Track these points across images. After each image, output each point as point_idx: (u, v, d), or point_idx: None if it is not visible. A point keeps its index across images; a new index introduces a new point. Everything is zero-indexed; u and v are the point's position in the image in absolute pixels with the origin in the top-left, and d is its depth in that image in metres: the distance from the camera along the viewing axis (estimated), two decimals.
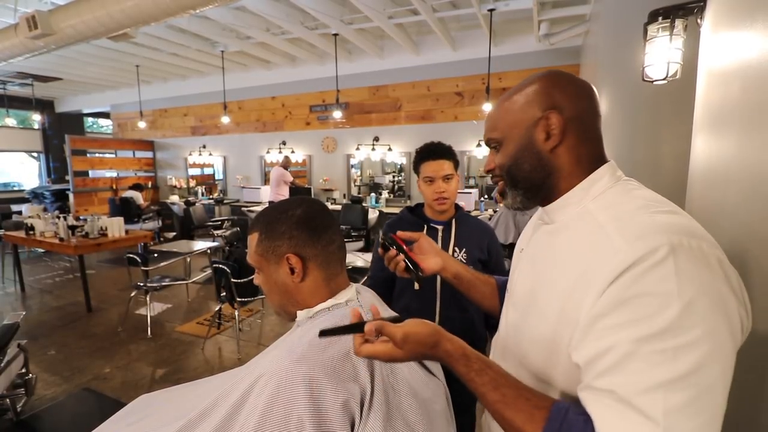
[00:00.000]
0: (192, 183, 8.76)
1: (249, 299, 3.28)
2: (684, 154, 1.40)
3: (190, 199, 7.75)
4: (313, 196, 6.67)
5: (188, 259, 4.85)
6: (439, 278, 1.32)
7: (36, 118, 8.67)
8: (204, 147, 8.40)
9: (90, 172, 9.11)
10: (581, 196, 0.64)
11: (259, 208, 6.47)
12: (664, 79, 1.33)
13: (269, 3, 4.58)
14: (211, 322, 3.59)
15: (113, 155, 9.92)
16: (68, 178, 7.85)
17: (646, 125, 2.62)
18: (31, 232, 4.54)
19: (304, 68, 6.91)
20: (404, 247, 0.91)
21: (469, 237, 1.48)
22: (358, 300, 0.85)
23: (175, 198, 8.09)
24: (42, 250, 6.58)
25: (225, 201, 7.83)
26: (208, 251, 4.85)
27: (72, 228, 4.25)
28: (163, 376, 2.90)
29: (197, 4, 3.24)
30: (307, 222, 0.81)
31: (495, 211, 5.00)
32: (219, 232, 5.96)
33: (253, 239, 0.83)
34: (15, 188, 10.22)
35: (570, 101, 0.65)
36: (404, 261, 0.91)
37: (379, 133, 6.63)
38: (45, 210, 7.06)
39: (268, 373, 0.68)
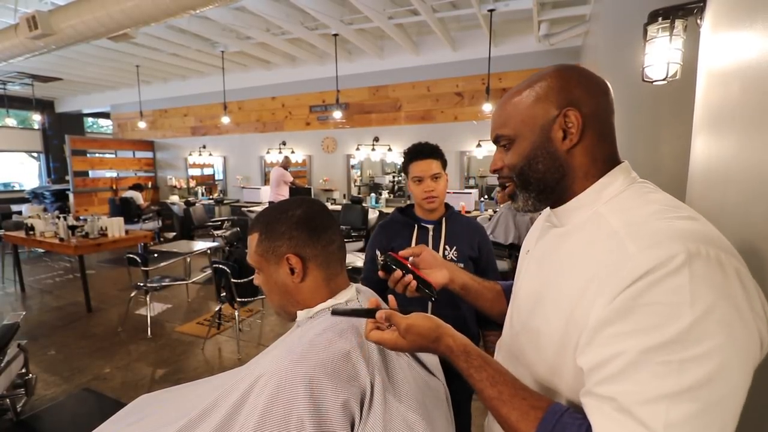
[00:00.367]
0: (192, 183, 8.76)
1: (249, 299, 3.28)
2: (684, 154, 1.40)
3: (190, 199, 7.75)
4: (313, 197, 6.67)
5: (188, 260, 4.85)
6: None
7: (36, 118, 8.67)
8: (204, 147, 8.40)
9: (90, 173, 9.11)
10: (594, 198, 0.61)
11: (259, 209, 6.47)
12: (664, 79, 1.33)
13: (269, 3, 4.58)
14: (211, 322, 3.59)
15: (113, 155, 9.92)
16: (68, 178, 7.85)
17: (646, 125, 2.62)
18: (31, 232, 4.54)
19: (304, 68, 6.91)
20: (409, 266, 0.85)
21: (460, 235, 1.49)
22: (358, 300, 0.85)
23: (175, 198, 8.09)
24: (42, 250, 6.58)
25: (225, 201, 7.83)
26: (208, 251, 4.85)
27: (72, 228, 4.25)
28: (163, 376, 2.90)
29: (197, 4, 3.24)
30: (307, 222, 0.81)
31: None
32: (219, 232, 5.96)
33: (253, 239, 0.83)
34: (15, 188, 10.22)
35: (588, 97, 0.61)
36: (415, 280, 0.84)
37: (379, 133, 6.63)
38: (45, 210, 7.06)
39: (268, 373, 0.68)
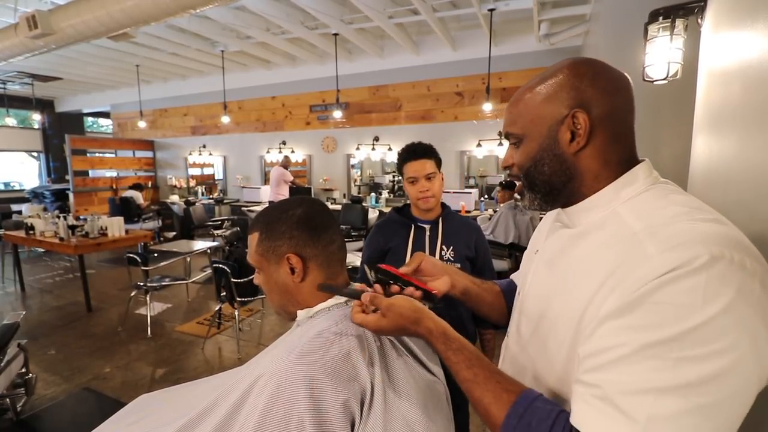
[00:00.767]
0: (192, 183, 8.76)
1: (249, 299, 3.28)
2: (684, 154, 1.39)
3: (190, 198, 7.75)
4: (313, 196, 6.67)
5: (188, 259, 4.85)
6: None
7: (36, 117, 8.68)
8: (204, 147, 8.40)
9: (90, 172, 9.12)
10: (611, 197, 0.58)
11: (259, 208, 6.47)
12: (664, 79, 1.33)
13: (269, 3, 4.58)
14: (211, 322, 3.59)
15: (113, 155, 9.92)
16: (68, 177, 7.85)
17: (646, 125, 2.62)
18: (31, 232, 4.54)
19: (304, 68, 6.91)
20: (407, 278, 0.78)
21: (456, 235, 1.49)
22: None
23: (175, 198, 8.09)
24: (42, 250, 6.58)
25: (225, 201, 7.83)
26: (208, 251, 4.85)
27: (72, 228, 4.25)
28: (163, 376, 2.90)
29: (197, 4, 3.24)
30: (308, 222, 0.81)
31: (495, 211, 5.00)
32: (219, 231, 5.96)
33: (253, 239, 0.83)
34: (15, 188, 10.22)
35: (601, 97, 0.57)
36: (418, 290, 0.77)
37: (379, 133, 6.63)
38: (45, 210, 7.06)
39: (268, 373, 0.68)
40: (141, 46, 5.89)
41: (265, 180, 7.63)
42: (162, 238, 7.30)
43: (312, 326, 0.78)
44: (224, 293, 3.25)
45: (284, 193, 6.38)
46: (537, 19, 4.56)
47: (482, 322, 1.55)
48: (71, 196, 7.75)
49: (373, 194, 6.85)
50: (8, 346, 2.12)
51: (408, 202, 1.57)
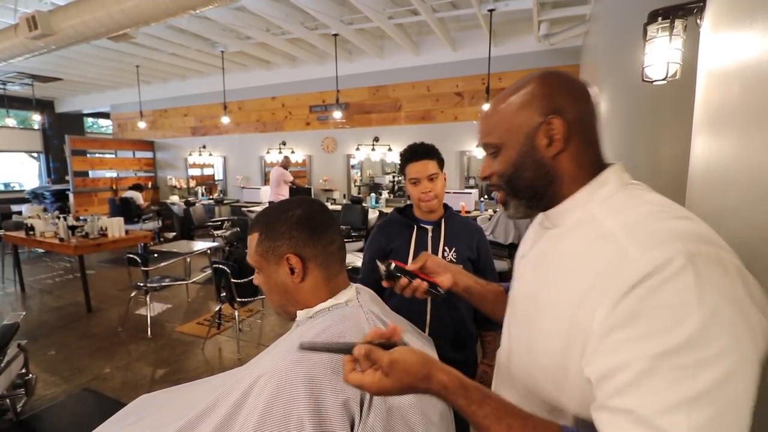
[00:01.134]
0: (192, 183, 8.76)
1: (249, 299, 3.28)
2: (684, 154, 1.40)
3: (190, 199, 7.75)
4: (313, 197, 6.67)
5: (188, 260, 4.85)
6: None
7: (36, 118, 8.67)
8: (204, 147, 8.41)
9: (90, 173, 9.12)
10: (586, 199, 0.61)
11: (259, 209, 6.47)
12: (663, 79, 1.33)
13: (269, 3, 4.58)
14: (211, 322, 3.59)
15: (113, 155, 9.92)
16: (68, 178, 7.85)
17: (646, 125, 2.62)
18: (31, 233, 4.54)
19: (304, 68, 6.91)
20: (415, 272, 0.85)
21: (459, 236, 1.49)
22: (357, 300, 0.85)
23: (175, 198, 8.09)
24: (42, 251, 6.58)
25: (225, 201, 7.83)
26: (208, 251, 4.85)
27: (72, 228, 4.25)
28: (163, 376, 2.90)
29: (197, 4, 3.24)
30: (307, 222, 0.81)
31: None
32: (219, 232, 5.96)
33: (253, 239, 0.83)
34: (15, 188, 10.22)
35: (572, 104, 0.61)
36: (424, 282, 0.85)
37: (379, 133, 6.63)
38: (45, 210, 7.06)
39: (268, 373, 0.68)
40: (141, 47, 5.90)
41: (265, 180, 7.63)
42: (162, 239, 7.30)
43: (312, 326, 0.78)
44: (224, 294, 3.25)
45: (284, 194, 6.38)
46: (537, 20, 4.57)
47: (484, 324, 1.55)
48: (71, 196, 7.75)
49: (373, 194, 6.85)
50: (8, 346, 2.12)
51: (409, 202, 1.57)
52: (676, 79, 1.35)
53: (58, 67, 6.92)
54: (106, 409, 1.41)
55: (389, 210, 6.19)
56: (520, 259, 0.75)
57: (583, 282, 0.53)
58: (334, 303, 0.82)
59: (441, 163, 1.48)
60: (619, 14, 2.99)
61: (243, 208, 7.12)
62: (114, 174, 9.02)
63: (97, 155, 9.99)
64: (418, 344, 0.87)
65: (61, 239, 4.25)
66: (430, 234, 1.47)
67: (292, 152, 7.35)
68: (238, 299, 3.20)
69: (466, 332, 1.49)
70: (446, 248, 1.46)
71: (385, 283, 0.86)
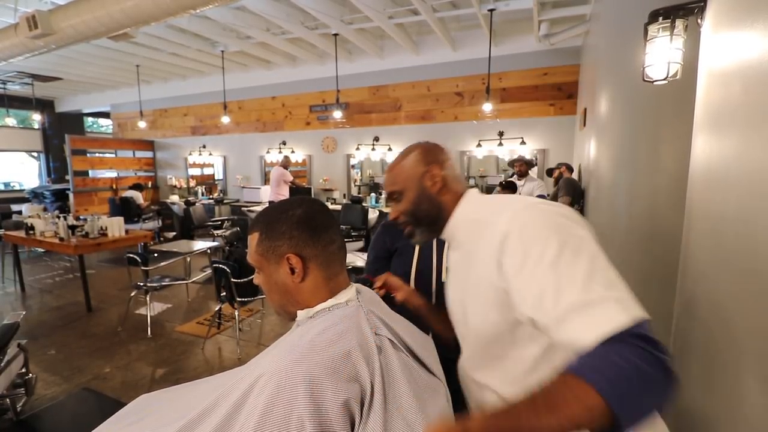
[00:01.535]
0: (192, 183, 8.76)
1: (249, 299, 3.28)
2: (685, 154, 1.39)
3: (190, 199, 7.75)
4: (313, 196, 6.67)
5: (188, 259, 4.85)
6: (434, 278, 1.35)
7: (36, 117, 8.67)
8: (204, 147, 8.41)
9: (90, 172, 9.12)
10: (466, 214, 0.87)
11: (259, 208, 6.47)
12: (664, 79, 1.33)
13: (269, 3, 4.58)
14: (211, 322, 3.59)
15: (113, 155, 9.93)
16: (68, 177, 7.85)
17: (646, 126, 2.62)
18: (31, 232, 4.54)
19: (304, 68, 6.91)
20: (377, 286, 1.14)
21: None
22: (358, 300, 0.85)
23: (175, 198, 8.09)
24: (42, 250, 6.58)
25: (225, 201, 7.83)
26: (208, 251, 4.85)
27: (72, 228, 4.25)
28: (163, 376, 2.90)
29: (197, 4, 3.24)
30: (308, 222, 0.81)
31: None
32: (219, 232, 5.96)
33: (253, 239, 0.83)
34: (15, 188, 10.22)
35: (438, 158, 0.90)
36: (382, 288, 1.14)
37: (379, 133, 6.64)
38: (45, 210, 7.06)
39: (268, 373, 0.68)
40: (141, 46, 5.90)
41: (265, 180, 7.64)
42: (162, 238, 7.30)
43: (312, 326, 0.78)
44: (224, 293, 3.24)
45: (284, 193, 6.38)
46: (537, 20, 4.56)
47: None
48: (71, 196, 7.75)
49: (373, 194, 6.84)
50: (8, 346, 2.12)
51: None
52: (676, 79, 1.35)
53: (58, 67, 6.92)
54: (106, 408, 1.41)
55: (389, 210, 6.19)
56: (447, 287, 0.97)
57: (484, 258, 0.76)
58: (335, 303, 0.82)
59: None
60: (619, 14, 2.99)
61: (243, 208, 7.12)
62: (114, 174, 9.02)
63: (97, 155, 9.99)
64: (420, 346, 0.87)
65: (61, 239, 4.25)
66: None
67: (292, 152, 7.35)
68: (238, 299, 3.20)
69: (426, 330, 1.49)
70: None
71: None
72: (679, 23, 1.20)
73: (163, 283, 3.87)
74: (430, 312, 1.13)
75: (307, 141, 7.32)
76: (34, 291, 4.89)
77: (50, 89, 8.91)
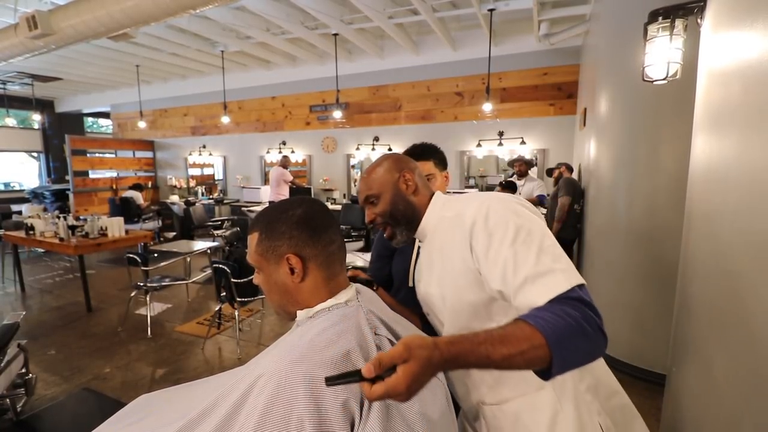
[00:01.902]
0: (192, 183, 8.76)
1: (249, 299, 3.28)
2: (684, 154, 1.39)
3: (190, 199, 7.75)
4: (313, 196, 6.67)
5: (188, 259, 4.85)
6: None
7: (36, 118, 8.67)
8: (204, 147, 8.41)
9: (90, 172, 9.11)
10: (436, 213, 0.97)
11: (259, 208, 6.47)
12: (664, 79, 1.33)
13: (269, 3, 4.58)
14: (211, 322, 3.59)
15: (113, 155, 9.92)
16: (68, 178, 7.85)
17: (646, 125, 2.61)
18: (31, 232, 4.54)
19: (304, 68, 6.91)
20: (358, 274, 1.20)
21: None
22: (358, 300, 0.85)
23: (175, 198, 8.09)
24: (42, 250, 6.59)
25: (225, 201, 7.83)
26: (208, 251, 4.85)
27: (72, 228, 4.25)
28: (163, 376, 2.90)
29: (197, 4, 3.24)
30: (307, 222, 0.81)
31: None
32: (219, 232, 5.96)
33: (253, 239, 0.83)
34: (15, 188, 10.22)
35: (409, 165, 1.02)
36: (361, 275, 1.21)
37: (379, 133, 6.64)
38: (45, 210, 7.06)
39: (268, 373, 0.68)
40: (141, 47, 5.89)
41: (265, 180, 7.63)
42: (162, 239, 7.30)
43: (312, 326, 0.78)
44: (224, 293, 3.24)
45: (284, 193, 6.37)
46: (537, 19, 4.56)
47: None
48: (71, 196, 7.75)
49: None
50: (8, 346, 2.12)
51: None
52: (676, 79, 1.35)
53: (58, 67, 6.92)
54: (106, 408, 1.41)
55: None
56: (418, 283, 1.04)
57: (458, 246, 0.85)
58: (334, 303, 0.82)
59: (439, 163, 1.47)
60: (619, 14, 2.99)
61: (243, 208, 7.12)
62: (114, 174, 9.02)
63: (97, 155, 9.99)
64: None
65: (61, 239, 4.25)
66: None
67: (292, 152, 7.35)
68: (238, 299, 3.20)
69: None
70: None
71: None
72: (679, 23, 1.20)
73: (163, 283, 3.87)
74: (398, 306, 1.17)
75: (307, 141, 7.32)
76: (34, 291, 4.89)
77: (50, 89, 8.91)
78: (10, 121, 8.84)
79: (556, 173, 4.40)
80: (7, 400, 2.11)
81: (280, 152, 7.38)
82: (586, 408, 0.85)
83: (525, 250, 0.75)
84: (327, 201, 6.84)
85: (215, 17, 4.85)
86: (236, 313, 3.32)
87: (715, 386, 1.03)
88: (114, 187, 8.44)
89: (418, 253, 1.49)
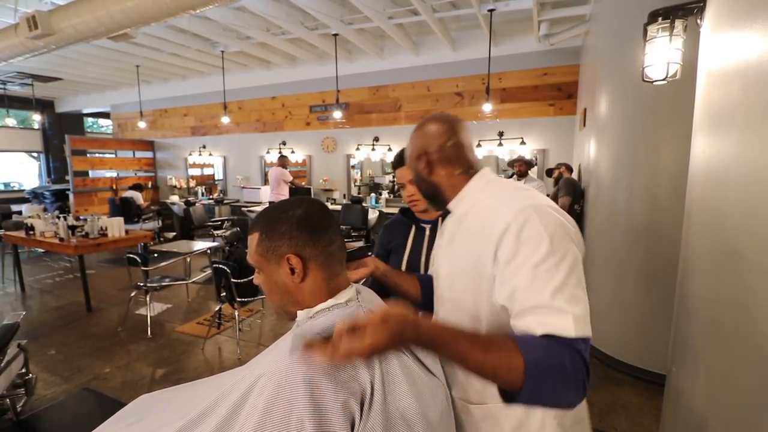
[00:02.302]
0: (192, 183, 8.76)
1: (249, 299, 3.28)
2: (684, 154, 1.39)
3: (190, 199, 7.75)
4: (313, 196, 6.67)
5: (188, 259, 4.85)
6: (423, 260, 1.49)
7: (36, 118, 8.67)
8: (204, 147, 8.41)
9: (90, 172, 9.11)
10: (474, 192, 0.93)
11: (259, 209, 6.47)
12: (664, 79, 1.33)
13: (269, 3, 4.58)
14: (211, 322, 3.59)
15: (113, 155, 9.92)
16: (68, 178, 7.85)
17: (646, 125, 2.61)
18: (31, 232, 4.54)
19: (304, 68, 6.91)
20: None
21: None
22: (358, 300, 0.85)
23: (175, 198, 8.09)
24: (42, 250, 6.59)
25: (225, 201, 7.83)
26: (208, 251, 4.85)
27: (72, 228, 4.25)
28: (163, 376, 2.90)
29: (197, 4, 3.24)
30: (308, 222, 0.81)
31: None
32: (219, 232, 5.96)
33: (253, 239, 0.83)
34: (15, 188, 10.22)
35: (430, 142, 0.94)
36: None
37: (379, 133, 6.64)
38: (45, 210, 7.06)
39: (268, 373, 0.68)
40: (141, 47, 5.89)
41: (265, 180, 7.63)
42: (162, 239, 7.30)
43: (312, 326, 0.78)
44: (224, 293, 3.25)
45: (284, 194, 6.37)
46: (537, 20, 4.56)
47: None
48: (71, 196, 7.75)
49: (373, 194, 6.84)
50: (8, 346, 2.12)
51: None
52: (676, 79, 1.35)
53: (58, 67, 6.92)
54: (106, 408, 1.41)
55: (389, 210, 6.20)
56: (438, 249, 1.04)
57: (484, 244, 0.80)
58: (335, 303, 0.82)
59: None
60: (619, 14, 2.99)
61: (243, 208, 7.12)
62: (114, 174, 9.02)
63: (97, 155, 9.99)
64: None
65: (61, 239, 4.25)
66: (427, 233, 1.53)
67: (292, 152, 7.35)
68: (238, 299, 3.20)
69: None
70: None
71: None
72: (679, 23, 1.20)
73: (163, 284, 3.87)
74: (399, 274, 1.21)
75: (307, 141, 7.32)
76: (34, 291, 4.89)
77: (50, 89, 8.91)
78: (10, 122, 8.84)
79: (555, 173, 4.40)
80: (7, 400, 2.11)
81: (280, 152, 7.38)
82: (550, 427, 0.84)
83: (545, 279, 0.70)
84: (327, 201, 6.84)
85: (215, 17, 4.85)
86: (236, 314, 3.32)
87: (715, 386, 1.03)
88: (114, 187, 8.44)
89: (431, 237, 1.54)
